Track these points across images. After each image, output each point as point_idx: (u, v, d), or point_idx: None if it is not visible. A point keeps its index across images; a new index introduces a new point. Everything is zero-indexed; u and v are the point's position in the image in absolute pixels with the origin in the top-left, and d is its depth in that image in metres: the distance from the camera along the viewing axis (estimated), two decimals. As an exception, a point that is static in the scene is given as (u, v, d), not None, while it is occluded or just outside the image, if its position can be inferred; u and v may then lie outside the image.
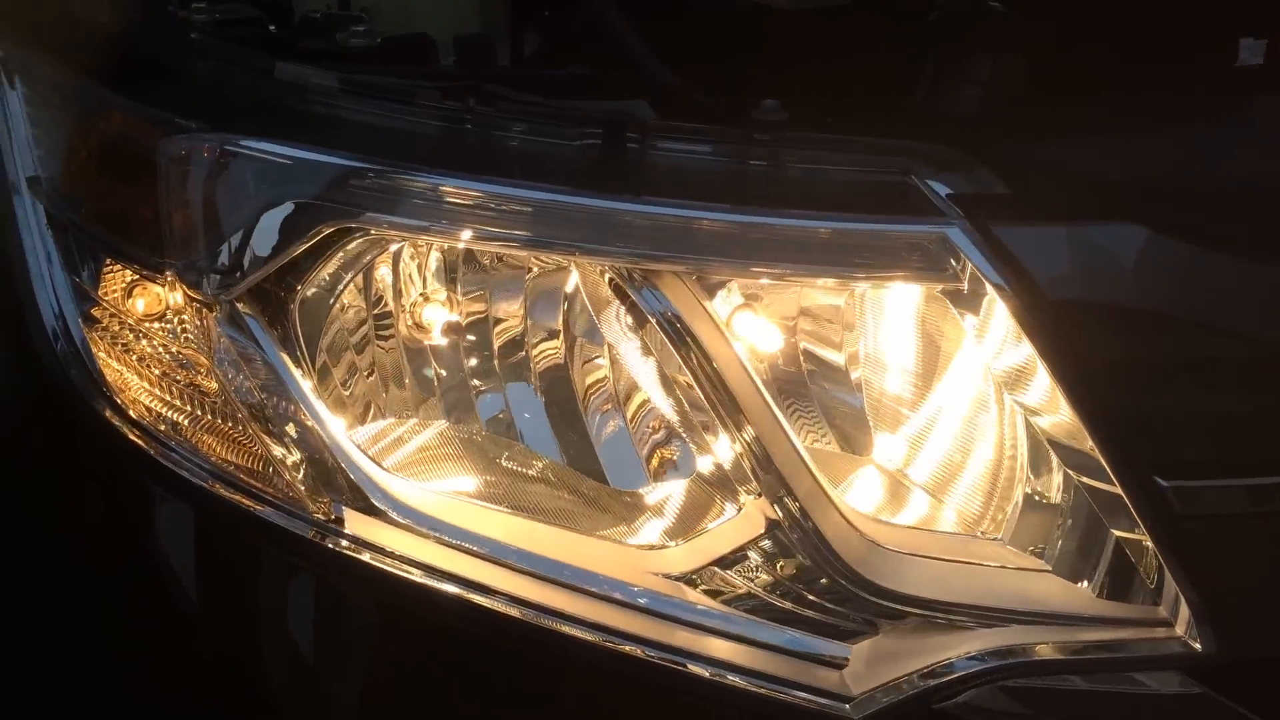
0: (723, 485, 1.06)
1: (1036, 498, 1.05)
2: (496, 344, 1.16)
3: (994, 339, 1.00)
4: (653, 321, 1.01)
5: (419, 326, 1.18)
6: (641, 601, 1.02)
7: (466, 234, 1.03)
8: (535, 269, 1.14)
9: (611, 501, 1.13)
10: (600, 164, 1.03)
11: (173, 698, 1.20)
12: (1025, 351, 0.97)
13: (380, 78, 1.09)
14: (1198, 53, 1.01)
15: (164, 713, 1.21)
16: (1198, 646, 1.00)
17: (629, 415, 1.14)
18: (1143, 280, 0.97)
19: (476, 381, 1.18)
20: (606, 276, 1.03)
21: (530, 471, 1.16)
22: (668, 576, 1.04)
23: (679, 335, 1.01)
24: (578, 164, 1.03)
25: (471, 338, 1.17)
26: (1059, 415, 0.99)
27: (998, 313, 0.97)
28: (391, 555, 1.04)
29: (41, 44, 1.28)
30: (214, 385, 1.09)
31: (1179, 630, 1.01)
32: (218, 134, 1.06)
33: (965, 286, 0.97)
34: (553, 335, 1.16)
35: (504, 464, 1.16)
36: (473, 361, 1.17)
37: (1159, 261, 0.97)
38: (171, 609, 1.17)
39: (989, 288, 0.95)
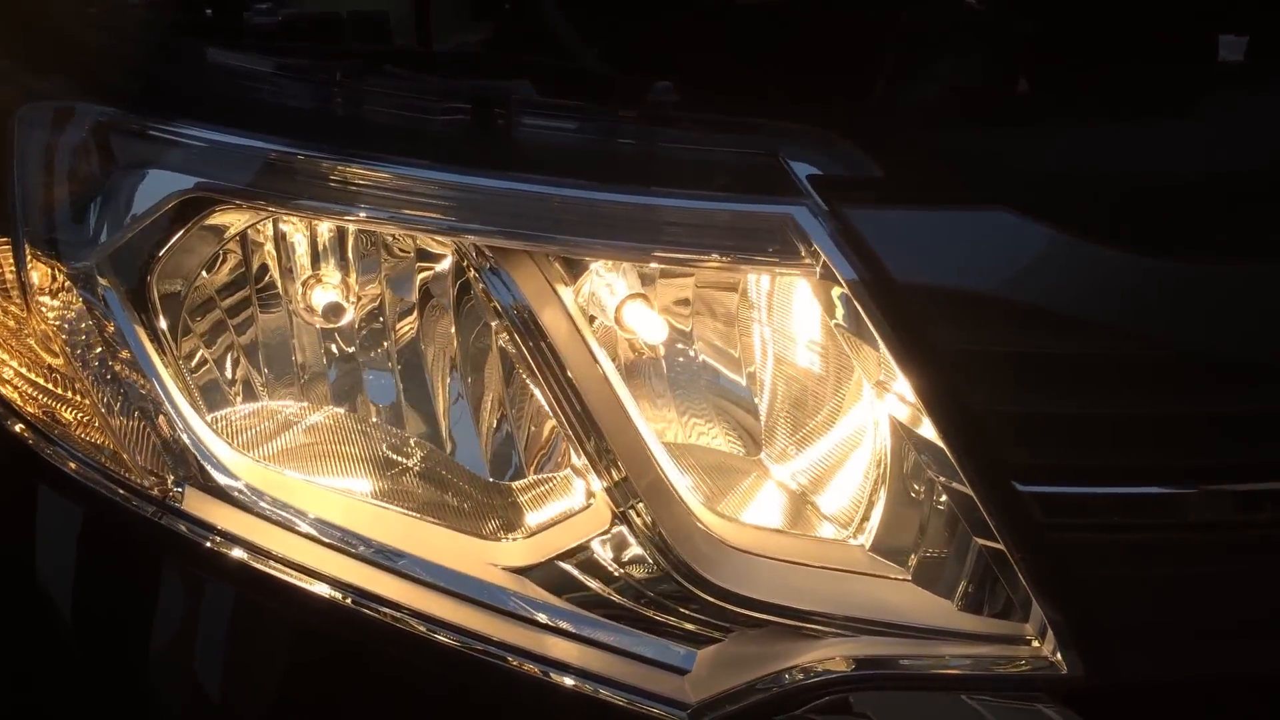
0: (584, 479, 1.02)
1: (907, 502, 0.98)
2: (364, 325, 1.12)
3: (853, 328, 0.94)
4: (498, 304, 0.97)
5: (308, 308, 1.16)
6: (459, 589, 0.98)
7: (322, 207, 0.99)
8: (433, 250, 1.11)
9: (487, 494, 1.09)
10: (463, 139, 1.00)
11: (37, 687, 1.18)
12: (877, 341, 0.91)
13: (257, 51, 1.06)
14: (1081, 40, 0.93)
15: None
16: (1063, 669, 0.93)
17: (508, 406, 1.10)
18: (1001, 271, 0.89)
19: (352, 365, 1.14)
20: (454, 255, 1.00)
21: (409, 461, 1.12)
22: (506, 569, 1.00)
23: (522, 319, 0.97)
24: (441, 139, 1.00)
25: (351, 318, 1.13)
26: (921, 413, 0.92)
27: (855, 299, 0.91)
28: (227, 536, 1.01)
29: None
30: (61, 360, 1.07)
31: (1045, 650, 0.93)
32: (74, 101, 1.04)
33: (819, 272, 0.91)
34: (431, 316, 1.12)
35: (383, 452, 1.13)
36: (339, 344, 1.14)
37: (1021, 251, 0.90)
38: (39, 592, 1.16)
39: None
